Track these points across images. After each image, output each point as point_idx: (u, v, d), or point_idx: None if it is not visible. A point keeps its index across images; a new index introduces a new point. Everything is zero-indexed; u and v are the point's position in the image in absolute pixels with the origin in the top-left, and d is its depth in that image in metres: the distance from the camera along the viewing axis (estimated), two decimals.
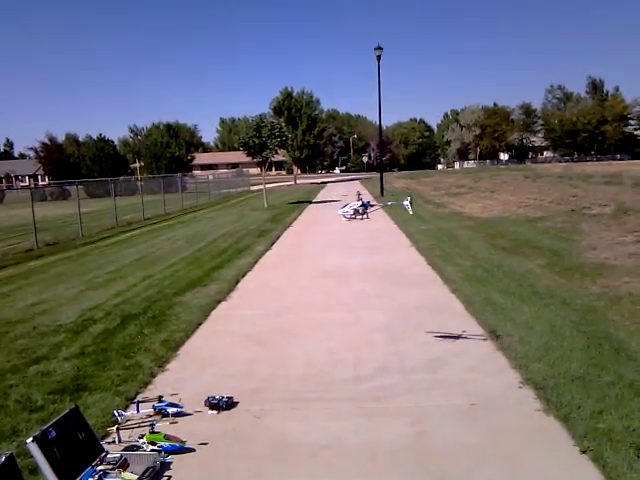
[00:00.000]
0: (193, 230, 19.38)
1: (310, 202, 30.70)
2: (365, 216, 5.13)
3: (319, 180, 62.85)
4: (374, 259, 11.83)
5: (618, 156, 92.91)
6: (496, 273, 9.57)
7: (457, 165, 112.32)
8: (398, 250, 13.01)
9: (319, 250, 13.59)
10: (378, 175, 35.18)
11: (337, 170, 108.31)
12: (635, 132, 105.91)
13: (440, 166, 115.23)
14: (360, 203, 7.72)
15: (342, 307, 8.18)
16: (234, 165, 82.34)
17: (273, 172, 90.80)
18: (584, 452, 3.96)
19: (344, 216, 5.00)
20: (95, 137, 76.28)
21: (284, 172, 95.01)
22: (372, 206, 5.84)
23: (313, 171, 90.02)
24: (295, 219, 21.58)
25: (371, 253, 12.58)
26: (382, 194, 31.60)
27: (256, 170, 62.41)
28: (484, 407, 4.77)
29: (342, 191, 40.00)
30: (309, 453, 4.12)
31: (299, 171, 72.67)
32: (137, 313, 8.05)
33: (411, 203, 4.78)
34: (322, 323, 7.41)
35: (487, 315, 7.18)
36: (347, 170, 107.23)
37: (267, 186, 31.03)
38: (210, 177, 42.05)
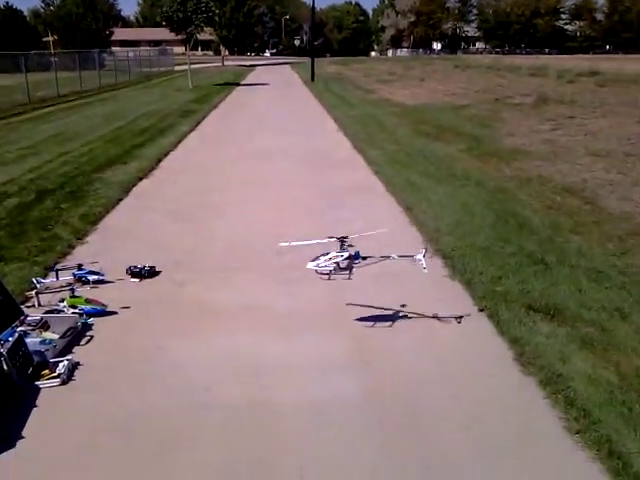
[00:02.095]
0: (112, 108, 18.43)
1: (238, 84, 29.63)
2: (349, 276, 3.52)
3: (248, 63, 60.16)
4: (301, 142, 11.79)
5: (547, 50, 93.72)
6: (417, 157, 9.82)
7: (390, 53, 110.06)
8: (325, 134, 12.99)
9: (245, 133, 13.35)
10: (309, 60, 34.08)
11: (267, 53, 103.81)
12: (565, 26, 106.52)
13: (374, 53, 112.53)
14: (344, 254, 4.35)
15: (266, 186, 8.23)
16: (157, 43, 77.12)
17: (199, 52, 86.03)
18: (482, 310, 4.36)
19: (318, 272, 3.33)
20: (1, 6, 68.78)
21: (211, 53, 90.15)
22: (364, 259, 3.85)
23: (242, 53, 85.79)
24: (221, 101, 20.89)
25: (298, 136, 12.51)
26: (313, 79, 30.84)
27: (181, 49, 58.80)
28: (397, 274, 5.07)
29: (272, 75, 38.75)
30: (231, 315, 4.32)
31: (227, 52, 69.08)
32: (53, 188, 7.79)
33: (424, 255, 3.54)
34: (246, 200, 7.47)
35: (405, 194, 7.45)
36: (278, 53, 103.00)
37: (193, 67, 29.51)
38: (130, 54, 39.25)
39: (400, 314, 4.17)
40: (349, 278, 3.85)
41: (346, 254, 3.74)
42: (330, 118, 15.41)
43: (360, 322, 4.09)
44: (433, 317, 4.17)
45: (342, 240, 3.83)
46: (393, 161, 9.46)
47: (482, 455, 2.86)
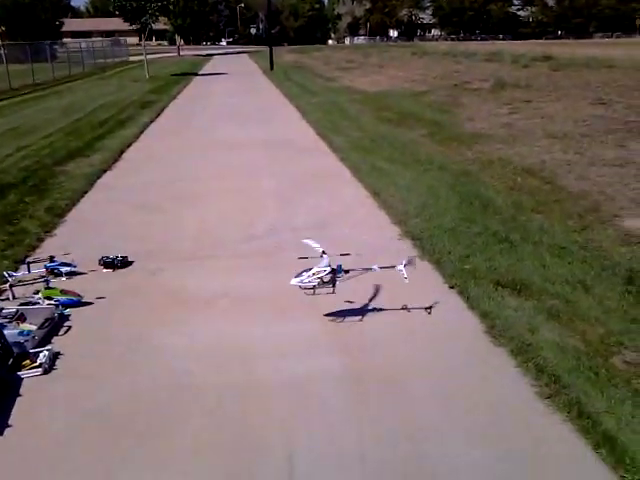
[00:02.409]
0: (69, 101, 18.02)
1: (196, 74, 29.27)
2: (333, 290, 3.78)
3: (204, 52, 59.34)
4: (265, 131, 11.79)
5: (501, 36, 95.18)
6: (381, 143, 9.95)
7: (347, 41, 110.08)
8: (288, 123, 13.01)
9: (208, 122, 13.26)
10: (267, 49, 33.87)
11: (223, 42, 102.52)
12: (518, 12, 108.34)
13: (331, 41, 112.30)
14: (326, 268, 3.55)
15: (233, 176, 8.24)
16: (110, 33, 75.26)
17: (154, 42, 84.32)
18: (452, 287, 4.51)
19: (302, 288, 3.29)
20: None
21: (166, 43, 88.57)
22: (347, 272, 3.84)
23: (197, 42, 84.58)
24: (180, 92, 20.63)
25: (262, 126, 12.49)
26: (272, 68, 30.71)
27: (135, 39, 57.68)
28: (368, 257, 5.16)
29: (230, 64, 38.39)
30: (206, 302, 4.35)
31: (182, 42, 67.99)
32: (16, 182, 7.64)
33: (406, 265, 3.48)
34: (214, 190, 7.47)
35: (372, 180, 7.57)
36: (234, 42, 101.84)
37: (148, 57, 29.02)
38: (83, 45, 38.27)
39: (369, 307, 4.17)
40: (333, 292, 3.83)
41: (329, 269, 3.72)
42: (292, 107, 15.41)
43: (329, 317, 4.06)
44: (402, 309, 4.16)
45: (322, 255, 3.83)
46: (358, 147, 9.57)
47: (457, 422, 3.00)
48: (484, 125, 11.10)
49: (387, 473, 2.66)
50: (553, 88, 15.86)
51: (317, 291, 3.81)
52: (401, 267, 3.86)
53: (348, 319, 4.04)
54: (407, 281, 3.80)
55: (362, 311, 4.15)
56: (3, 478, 2.66)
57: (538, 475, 2.63)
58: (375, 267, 3.91)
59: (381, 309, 4.16)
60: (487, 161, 8.22)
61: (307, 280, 3.72)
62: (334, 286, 3.81)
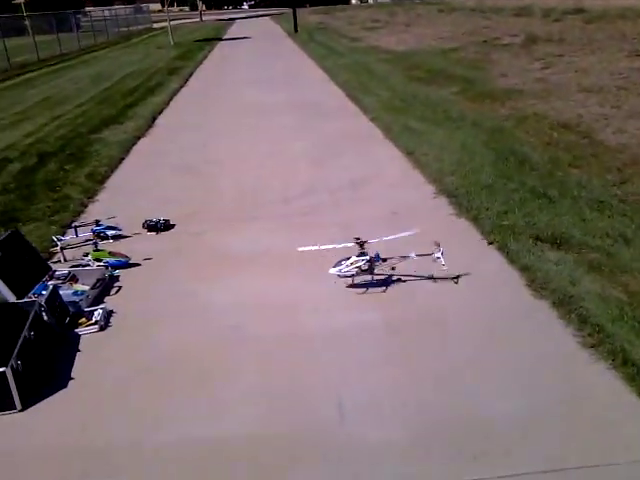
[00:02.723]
0: (97, 70, 18.13)
1: (220, 39, 29.05)
2: (372, 278, 3.73)
3: (226, 17, 58.72)
4: (293, 94, 11.74)
5: None
6: (412, 102, 9.85)
7: (371, 0, 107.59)
8: (316, 85, 12.93)
9: (236, 87, 13.25)
10: (290, 11, 33.35)
11: (245, 6, 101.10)
12: None
13: (354, 1, 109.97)
14: (365, 258, 3.86)
15: (266, 139, 8.28)
16: (130, 0, 74.83)
17: (175, 9, 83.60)
18: (491, 244, 4.53)
19: (341, 277, 3.45)
20: None
21: (187, 9, 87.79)
22: (384, 261, 3.83)
23: (219, 7, 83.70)
24: (206, 57, 20.57)
25: (289, 89, 12.44)
26: (296, 30, 30.27)
27: (156, 6, 57.34)
28: (404, 215, 5.22)
29: (253, 28, 37.95)
30: (249, 259, 4.47)
31: (204, 7, 67.35)
32: (54, 151, 7.82)
33: (443, 254, 3.48)
34: (248, 154, 7.53)
35: (404, 139, 7.54)
36: (256, 5, 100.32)
37: (171, 23, 28.85)
38: (106, 13, 38.27)
39: (393, 278, 4.01)
40: (372, 280, 3.86)
41: (367, 257, 3.75)
42: (319, 68, 15.28)
43: (352, 289, 3.95)
44: (428, 278, 4.02)
45: (360, 243, 3.85)
46: (388, 107, 9.49)
47: (501, 371, 3.06)
48: (517, 81, 10.87)
49: (429, 416, 2.75)
50: (587, 41, 15.38)
51: (355, 280, 3.84)
52: (439, 254, 3.81)
53: (373, 289, 3.93)
54: (445, 268, 3.79)
55: (385, 283, 4.00)
56: (68, 425, 2.82)
57: (582, 421, 2.69)
58: (412, 254, 3.85)
59: (406, 278, 4.02)
60: (521, 117, 8.10)
61: (345, 269, 3.76)
62: (373, 274, 3.83)
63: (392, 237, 4.05)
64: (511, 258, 4.24)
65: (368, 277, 3.85)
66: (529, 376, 3.01)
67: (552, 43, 15.67)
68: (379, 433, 2.65)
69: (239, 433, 2.70)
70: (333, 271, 3.80)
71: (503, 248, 4.41)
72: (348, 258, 3.80)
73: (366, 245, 3.87)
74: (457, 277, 4.04)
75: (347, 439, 2.62)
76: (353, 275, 3.81)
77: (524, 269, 4.06)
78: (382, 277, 4.05)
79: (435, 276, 4.04)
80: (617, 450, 2.48)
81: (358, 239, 3.89)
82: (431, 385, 2.98)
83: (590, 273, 3.93)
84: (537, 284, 3.85)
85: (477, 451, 2.51)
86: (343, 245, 3.99)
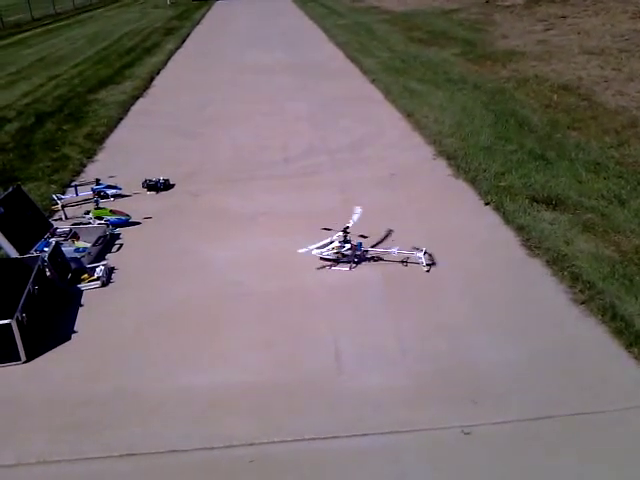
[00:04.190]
0: (93, 29, 17.84)
1: None
2: (353, 266, 3.60)
3: None
4: (292, 55, 11.61)
5: None
6: (413, 63, 9.75)
7: None
8: (316, 45, 12.77)
9: (233, 47, 13.08)
10: None
11: None
12: None
13: None
14: (347, 245, 3.86)
15: (265, 99, 8.24)
16: None
17: None
18: (487, 204, 4.58)
19: (321, 259, 3.39)
20: None
21: None
22: (366, 252, 3.80)
23: None
24: (203, 17, 20.24)
25: (288, 49, 12.28)
26: None
27: None
28: (402, 176, 5.25)
29: None
30: (249, 219, 4.51)
31: None
32: (52, 111, 7.78)
33: (425, 253, 3.41)
34: (247, 115, 7.50)
35: (405, 101, 7.50)
36: None
37: None
38: None
39: (367, 255, 3.84)
40: (350, 270, 3.73)
41: (348, 245, 3.76)
42: (318, 29, 15.06)
43: (325, 262, 3.84)
44: (402, 262, 3.78)
45: (345, 231, 3.85)
46: (389, 69, 9.41)
47: (492, 323, 3.14)
48: (518, 42, 10.75)
49: (426, 365, 2.84)
50: (591, 2, 15.10)
51: (335, 267, 3.76)
52: (420, 255, 3.72)
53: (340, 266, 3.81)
54: (426, 269, 3.67)
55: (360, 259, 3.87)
56: (71, 375, 2.91)
57: (573, 371, 2.79)
58: (394, 250, 3.76)
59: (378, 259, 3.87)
60: (522, 79, 8.04)
61: (327, 253, 3.78)
62: (351, 263, 3.77)
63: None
64: (507, 218, 4.29)
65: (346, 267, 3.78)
66: (522, 329, 3.09)
67: (555, 4, 15.40)
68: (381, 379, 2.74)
69: (240, 381, 2.78)
70: (316, 252, 3.82)
71: (499, 208, 4.46)
72: (331, 242, 3.82)
73: (349, 236, 3.86)
74: (429, 265, 3.77)
75: (347, 386, 2.72)
76: (333, 260, 3.80)
77: (519, 229, 4.12)
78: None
79: (408, 261, 3.78)
80: (606, 398, 2.58)
81: (346, 229, 3.88)
82: (430, 335, 3.06)
83: (584, 233, 3.99)
84: (532, 243, 3.91)
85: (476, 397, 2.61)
86: (337, 240, 3.86)
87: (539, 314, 3.22)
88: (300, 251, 3.87)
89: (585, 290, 3.33)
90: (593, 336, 3.00)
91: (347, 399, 2.64)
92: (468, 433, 2.42)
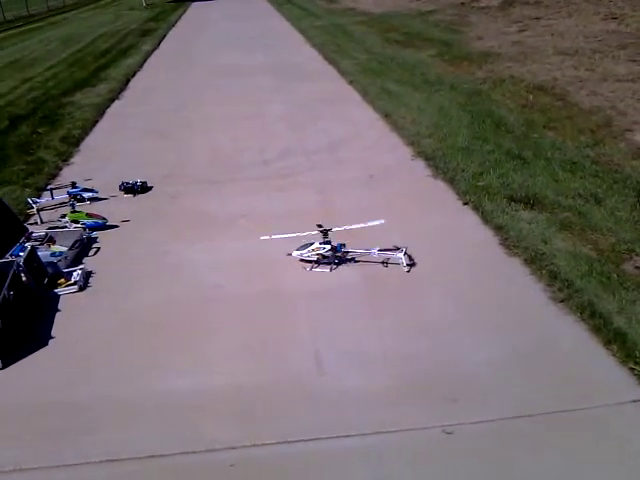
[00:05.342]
0: (67, 32, 17.61)
1: (193, 0, 28.28)
2: (333, 267, 3.60)
3: None
4: (270, 56, 11.58)
5: None
6: (390, 65, 9.79)
7: None
8: (293, 47, 12.75)
9: (210, 49, 13.01)
10: None
11: None
12: None
13: None
14: (326, 246, 3.77)
15: (242, 101, 8.20)
16: None
17: None
18: (466, 204, 4.60)
19: (301, 260, 3.39)
20: None
21: None
22: (347, 253, 3.76)
23: None
24: (179, 18, 20.10)
25: (266, 51, 12.24)
26: None
27: None
28: (381, 177, 5.26)
29: None
30: (228, 220, 4.48)
31: None
32: (26, 114, 7.66)
33: (405, 254, 3.41)
34: (223, 117, 7.46)
35: (382, 102, 7.52)
36: None
37: None
38: None
39: (347, 257, 3.84)
40: (330, 271, 3.75)
41: (329, 246, 3.73)
42: (295, 30, 15.04)
43: (306, 264, 3.84)
44: (382, 263, 3.79)
45: (325, 232, 3.81)
46: (366, 70, 9.43)
47: (471, 321, 3.16)
48: (494, 43, 10.85)
49: (407, 366, 2.84)
50: (564, 4, 15.32)
51: (315, 268, 3.76)
52: (401, 255, 3.71)
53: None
54: (406, 269, 3.67)
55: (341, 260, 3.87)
56: (48, 382, 2.85)
57: (551, 368, 2.81)
58: (374, 251, 3.74)
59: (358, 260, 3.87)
60: (498, 80, 8.12)
61: (307, 254, 3.75)
62: (331, 264, 3.77)
63: (357, 226, 3.94)
64: (485, 218, 4.32)
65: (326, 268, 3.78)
66: (501, 328, 3.11)
67: (529, 6, 15.58)
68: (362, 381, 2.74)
69: (220, 385, 2.75)
70: (295, 254, 3.78)
71: (478, 208, 4.49)
72: (311, 244, 3.78)
73: (330, 233, 3.83)
74: (410, 265, 3.76)
75: (329, 387, 2.71)
76: (313, 261, 3.78)
77: (498, 228, 4.15)
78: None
79: (388, 263, 3.79)
80: (586, 396, 2.60)
81: (321, 226, 3.85)
82: (411, 335, 3.06)
83: (562, 232, 4.03)
84: (510, 242, 3.95)
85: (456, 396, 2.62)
86: (307, 233, 3.89)
87: (518, 313, 3.24)
88: (294, 254, 3.79)
89: (563, 288, 3.37)
90: (572, 334, 3.02)
91: (329, 400, 2.63)
92: (450, 433, 2.43)
